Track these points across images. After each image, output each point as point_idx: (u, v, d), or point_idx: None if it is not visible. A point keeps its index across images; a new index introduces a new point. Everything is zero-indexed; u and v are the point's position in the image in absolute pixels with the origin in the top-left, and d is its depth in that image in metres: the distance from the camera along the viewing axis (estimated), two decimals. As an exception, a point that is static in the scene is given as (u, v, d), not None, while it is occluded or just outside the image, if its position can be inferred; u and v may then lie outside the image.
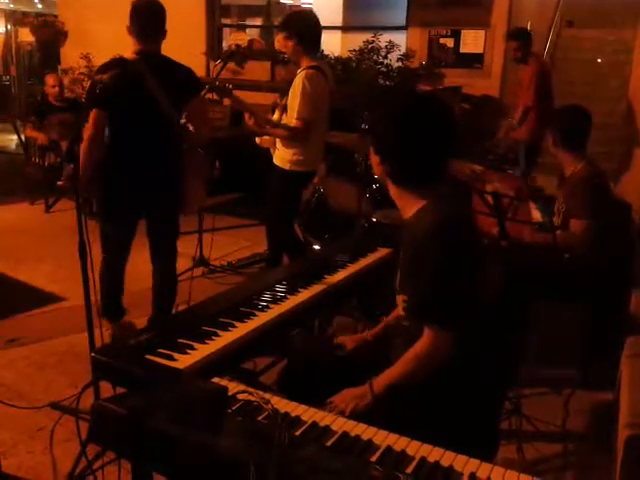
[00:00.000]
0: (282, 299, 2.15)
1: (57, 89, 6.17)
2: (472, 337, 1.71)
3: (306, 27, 3.52)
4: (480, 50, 6.04)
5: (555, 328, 2.93)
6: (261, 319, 1.99)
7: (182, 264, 4.06)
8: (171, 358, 1.72)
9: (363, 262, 2.60)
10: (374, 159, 1.82)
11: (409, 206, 1.81)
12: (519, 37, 5.33)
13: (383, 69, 6.15)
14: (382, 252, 2.71)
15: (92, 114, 3.02)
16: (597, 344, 2.99)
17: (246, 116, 3.43)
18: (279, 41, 3.60)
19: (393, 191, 1.83)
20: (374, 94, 5.70)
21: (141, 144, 3.10)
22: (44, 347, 3.43)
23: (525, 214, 3.19)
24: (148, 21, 3.09)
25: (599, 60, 5.98)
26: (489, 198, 2.98)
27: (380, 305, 2.71)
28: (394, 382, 1.72)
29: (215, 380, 1.56)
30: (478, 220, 3.01)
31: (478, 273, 1.80)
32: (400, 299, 1.85)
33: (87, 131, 3.04)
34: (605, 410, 2.80)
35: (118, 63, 3.02)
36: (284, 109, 3.57)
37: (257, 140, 3.89)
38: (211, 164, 4.22)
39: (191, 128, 3.27)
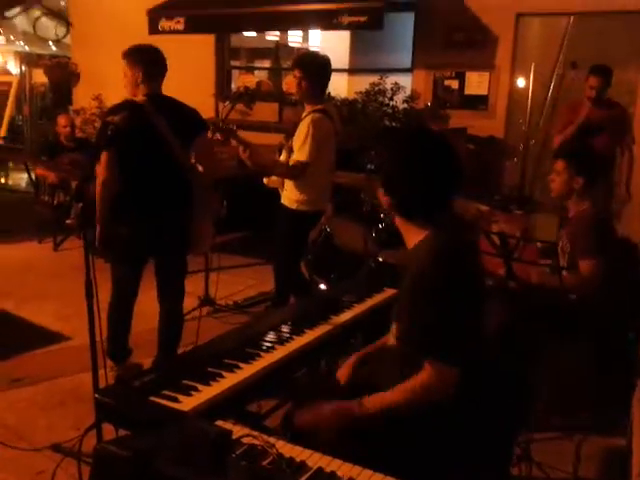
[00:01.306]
0: (287, 340, 2.14)
1: (68, 129, 6.27)
2: (474, 376, 1.69)
3: (319, 69, 3.59)
4: (484, 92, 6.12)
5: (564, 370, 2.88)
6: (266, 360, 1.98)
7: (188, 303, 4.04)
8: (175, 400, 1.70)
9: (369, 302, 2.59)
10: (379, 190, 1.85)
11: (412, 236, 1.83)
12: (606, 74, 4.76)
13: (389, 110, 6.24)
14: (388, 292, 2.70)
15: (104, 156, 3.06)
16: (606, 386, 2.94)
17: (240, 149, 3.47)
18: (290, 81, 3.67)
19: (398, 222, 1.87)
20: (380, 134, 5.77)
21: (151, 185, 3.15)
22: (47, 387, 3.40)
23: (532, 255, 3.18)
24: (153, 65, 3.18)
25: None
26: (495, 238, 2.98)
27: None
28: (386, 406, 1.71)
29: (219, 423, 1.54)
30: (484, 261, 3.00)
31: (479, 304, 1.79)
32: (394, 327, 1.84)
33: (100, 175, 3.08)
34: (617, 456, 2.74)
35: (128, 105, 3.10)
36: (290, 150, 3.62)
37: (265, 180, 3.93)
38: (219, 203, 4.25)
39: (199, 167, 3.32)
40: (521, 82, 6.46)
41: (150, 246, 3.26)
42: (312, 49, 9.01)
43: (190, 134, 3.21)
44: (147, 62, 3.16)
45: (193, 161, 3.32)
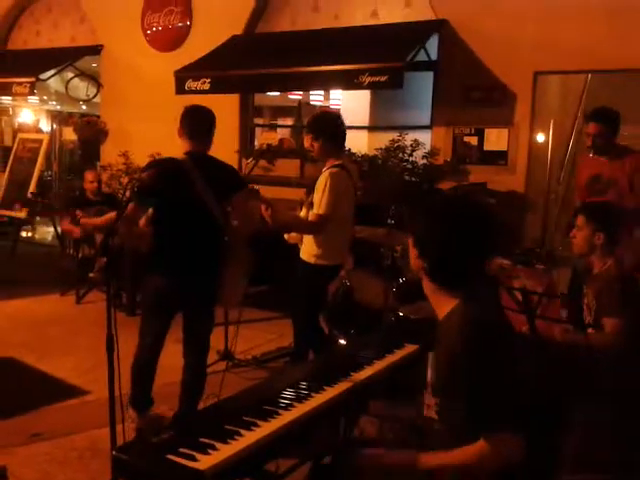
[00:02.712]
0: (306, 397, 2.11)
1: (95, 184, 6.43)
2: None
3: (330, 128, 3.67)
4: (504, 147, 6.16)
5: (590, 432, 2.78)
6: (285, 418, 1.95)
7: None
8: (193, 458, 1.68)
9: (390, 358, 2.55)
10: (412, 252, 1.83)
11: (442, 305, 1.80)
12: (605, 118, 4.25)
13: (408, 166, 6.30)
14: (409, 348, 2.66)
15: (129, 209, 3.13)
16: (631, 448, 2.82)
17: (262, 207, 3.53)
18: (306, 141, 3.76)
19: (427, 286, 1.83)
20: (403, 190, 5.83)
21: (185, 242, 3.20)
22: (65, 442, 3.37)
23: (555, 311, 3.13)
24: (197, 124, 3.31)
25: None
26: (518, 294, 2.94)
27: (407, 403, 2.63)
28: (442, 466, 1.69)
29: (236, 484, 1.51)
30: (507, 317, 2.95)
31: (517, 372, 1.75)
32: (432, 401, 1.80)
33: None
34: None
35: (165, 162, 3.20)
36: (311, 205, 3.66)
37: (286, 236, 3.98)
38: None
39: (235, 223, 3.38)
40: (541, 138, 6.52)
41: (180, 300, 3.31)
42: (333, 107, 9.21)
43: (227, 192, 3.29)
44: (187, 121, 3.30)
45: (230, 218, 3.40)
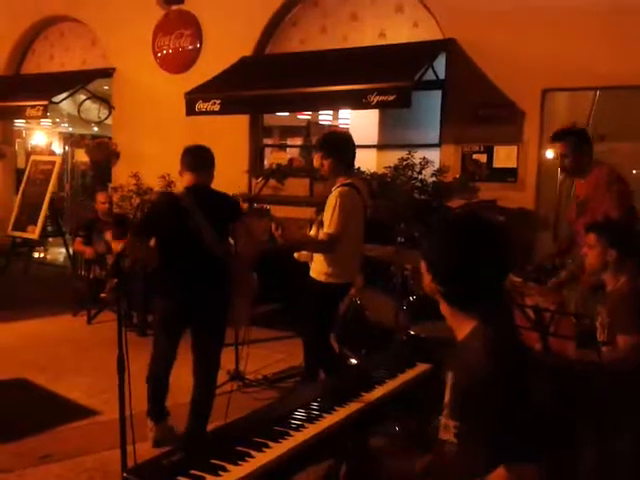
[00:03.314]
0: (317, 417, 2.09)
1: (107, 205, 6.49)
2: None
3: (340, 147, 3.69)
4: (513, 164, 6.15)
5: (607, 459, 2.72)
6: (296, 439, 1.94)
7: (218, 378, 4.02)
8: (203, 481, 1.67)
9: (402, 378, 2.53)
10: (426, 277, 1.79)
11: (461, 326, 1.76)
12: (567, 136, 4.00)
13: (418, 184, 6.31)
14: (421, 368, 2.64)
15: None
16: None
17: (273, 227, 3.56)
18: (316, 160, 3.78)
19: (444, 309, 1.80)
20: (415, 208, 5.83)
21: (186, 269, 3.33)
22: (75, 464, 3.36)
23: (568, 328, 3.10)
24: (195, 158, 3.45)
25: (634, 172, 6.01)
26: (530, 312, 2.92)
27: (419, 424, 2.60)
28: None
29: (247, 506, 1.50)
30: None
31: (536, 397, 1.71)
32: (451, 424, 1.76)
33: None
34: None
35: (165, 196, 3.34)
36: (321, 224, 3.67)
37: (296, 255, 3.98)
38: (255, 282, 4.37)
39: (238, 249, 3.47)
40: (550, 154, 6.50)
41: (186, 321, 3.42)
42: (342, 127, 9.27)
43: (226, 222, 3.45)
44: (187, 157, 3.45)
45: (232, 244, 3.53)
